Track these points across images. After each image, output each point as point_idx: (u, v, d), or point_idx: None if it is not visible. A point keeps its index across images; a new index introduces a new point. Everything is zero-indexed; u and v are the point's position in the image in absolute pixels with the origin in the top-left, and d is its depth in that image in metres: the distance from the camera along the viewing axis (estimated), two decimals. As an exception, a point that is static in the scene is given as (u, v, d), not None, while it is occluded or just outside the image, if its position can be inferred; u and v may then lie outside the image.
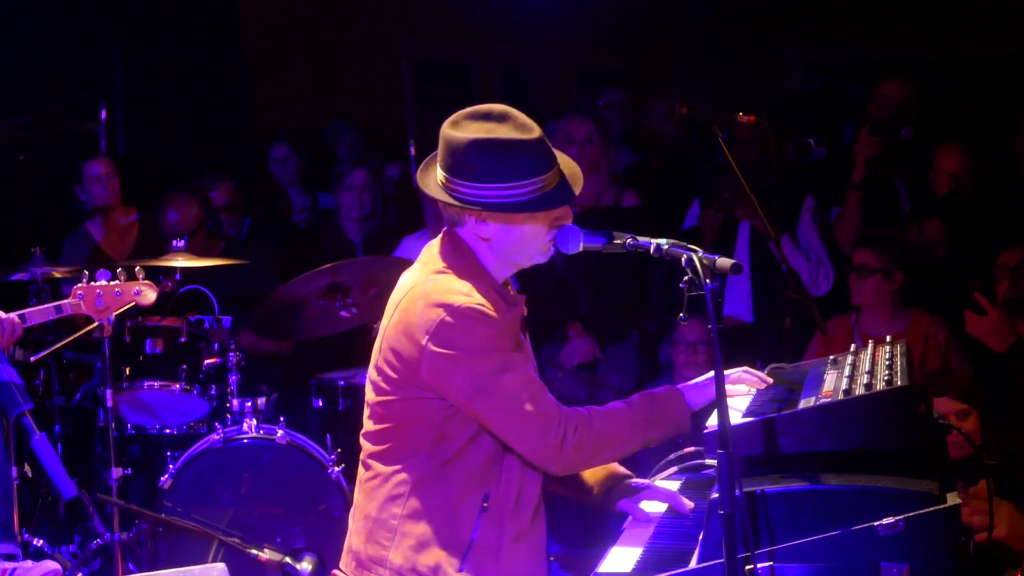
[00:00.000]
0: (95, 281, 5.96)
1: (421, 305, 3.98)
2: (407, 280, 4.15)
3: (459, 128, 4.01)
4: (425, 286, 4.03)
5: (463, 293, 3.97)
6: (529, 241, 4.07)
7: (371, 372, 4.17)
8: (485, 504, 4.03)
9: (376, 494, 4.13)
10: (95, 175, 8.42)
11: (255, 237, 8.61)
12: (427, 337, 3.94)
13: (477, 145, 3.97)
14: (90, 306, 5.92)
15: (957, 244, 7.46)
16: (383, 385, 4.09)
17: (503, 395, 3.92)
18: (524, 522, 4.09)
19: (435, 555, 4.02)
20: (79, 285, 5.94)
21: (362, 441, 4.22)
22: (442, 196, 4.05)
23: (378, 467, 4.14)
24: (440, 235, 4.18)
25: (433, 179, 4.10)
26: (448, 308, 3.93)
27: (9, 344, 5.76)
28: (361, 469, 4.23)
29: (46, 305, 5.89)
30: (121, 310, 6.06)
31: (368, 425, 4.19)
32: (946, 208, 7.52)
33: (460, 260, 4.07)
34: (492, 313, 3.95)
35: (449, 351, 3.92)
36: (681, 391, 4.10)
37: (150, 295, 6.05)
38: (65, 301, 5.91)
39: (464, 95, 11.90)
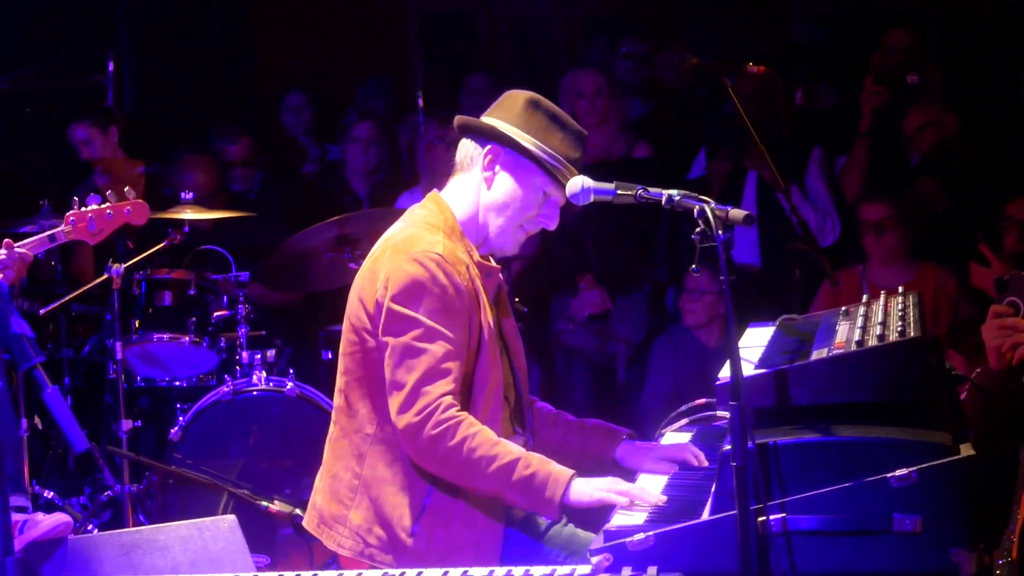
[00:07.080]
0: (86, 206, 5.87)
1: (389, 254, 4.09)
2: (385, 235, 4.25)
3: (524, 91, 4.23)
4: (398, 236, 4.14)
5: (430, 245, 4.06)
6: (519, 210, 4.17)
7: (344, 324, 4.23)
8: None
9: (342, 453, 4.20)
10: (80, 139, 8.29)
11: (266, 191, 8.57)
12: (385, 280, 4.04)
13: (534, 101, 4.18)
14: (83, 231, 5.79)
15: (957, 196, 7.42)
16: (350, 335, 4.18)
17: (406, 362, 3.97)
18: None
19: (390, 517, 4.08)
20: (71, 212, 5.83)
21: (335, 399, 4.28)
22: (475, 121, 4.20)
23: (344, 424, 4.21)
24: (425, 198, 4.27)
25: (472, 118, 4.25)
26: (411, 257, 4.02)
27: (23, 273, 5.69)
28: (332, 426, 4.29)
29: (40, 235, 5.79)
30: (114, 230, 5.96)
31: (338, 381, 4.25)
32: (935, 163, 7.49)
33: (441, 222, 4.17)
34: (448, 278, 4.01)
35: (394, 300, 4.01)
36: (571, 483, 3.95)
37: (142, 212, 5.95)
38: (58, 229, 5.77)
39: (471, 47, 11.86)
